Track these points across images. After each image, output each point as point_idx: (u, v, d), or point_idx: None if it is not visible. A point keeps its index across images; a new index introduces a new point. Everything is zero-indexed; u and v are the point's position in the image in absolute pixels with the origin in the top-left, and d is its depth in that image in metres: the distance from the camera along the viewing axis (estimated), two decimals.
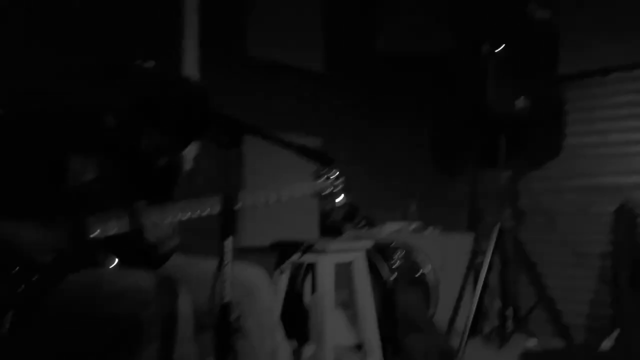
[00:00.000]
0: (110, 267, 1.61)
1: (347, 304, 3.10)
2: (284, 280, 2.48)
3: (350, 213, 3.29)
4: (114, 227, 1.61)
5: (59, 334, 1.53)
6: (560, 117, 3.62)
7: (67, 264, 1.55)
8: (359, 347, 2.99)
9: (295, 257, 2.43)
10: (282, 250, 2.47)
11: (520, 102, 3.23)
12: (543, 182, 3.68)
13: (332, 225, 3.30)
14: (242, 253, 1.28)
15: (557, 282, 3.51)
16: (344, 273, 2.81)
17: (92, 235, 1.60)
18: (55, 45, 2.39)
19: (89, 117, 1.70)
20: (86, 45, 2.46)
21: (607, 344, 2.98)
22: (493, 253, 3.27)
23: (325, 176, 1.98)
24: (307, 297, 3.17)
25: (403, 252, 3.19)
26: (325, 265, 2.33)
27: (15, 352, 1.52)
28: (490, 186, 3.60)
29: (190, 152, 2.90)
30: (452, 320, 3.45)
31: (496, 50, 3.15)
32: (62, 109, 1.65)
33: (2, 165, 1.56)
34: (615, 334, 3.01)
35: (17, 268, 1.50)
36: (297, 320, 3.11)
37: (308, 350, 2.73)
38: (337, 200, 2.01)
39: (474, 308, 3.17)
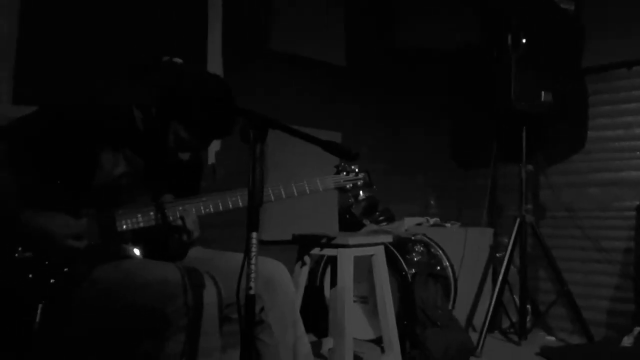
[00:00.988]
0: (138, 259, 1.64)
1: (366, 298, 3.11)
2: (304, 273, 2.49)
3: (370, 207, 3.29)
4: (141, 220, 1.65)
5: (88, 325, 1.56)
6: (583, 110, 3.57)
7: (96, 256, 1.59)
8: (378, 341, 3.00)
9: (315, 251, 2.44)
10: (302, 244, 2.48)
11: (543, 96, 3.19)
12: (565, 177, 3.64)
13: (351, 220, 3.31)
14: (263, 247, 1.29)
15: (578, 278, 3.48)
16: (363, 267, 2.82)
17: (120, 228, 1.63)
18: (85, 43, 2.43)
19: (119, 113, 1.73)
20: (114, 43, 2.49)
21: (628, 341, 2.95)
22: (513, 248, 3.25)
23: (346, 170, 1.99)
24: (326, 291, 3.19)
25: (422, 247, 3.18)
26: (345, 259, 2.34)
27: (47, 343, 1.56)
28: (511, 180, 3.57)
29: (213, 147, 2.93)
30: (471, 315, 3.45)
31: (519, 42, 3.11)
32: (94, 104, 1.68)
33: (37, 159, 1.59)
34: (636, 330, 2.98)
35: (49, 261, 1.53)
36: (316, 313, 3.14)
37: (327, 343, 2.75)
38: (357, 194, 2.02)
39: (493, 303, 3.16)
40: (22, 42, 2.29)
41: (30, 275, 1.53)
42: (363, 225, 3.32)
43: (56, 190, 1.60)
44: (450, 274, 3.22)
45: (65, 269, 1.55)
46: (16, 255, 1.53)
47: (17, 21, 2.27)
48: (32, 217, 1.52)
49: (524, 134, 3.33)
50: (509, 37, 3.16)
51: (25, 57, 2.30)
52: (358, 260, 2.40)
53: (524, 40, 3.13)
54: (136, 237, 1.66)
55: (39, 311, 1.51)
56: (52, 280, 1.54)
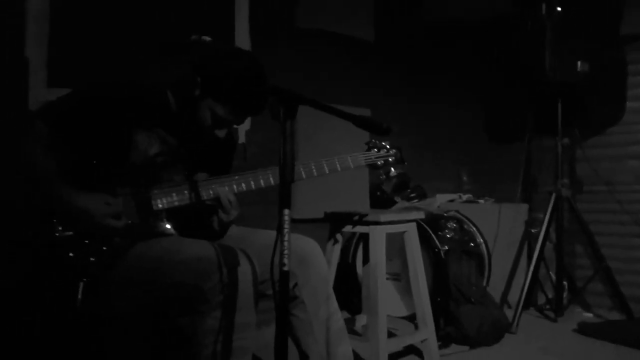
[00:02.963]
0: (174, 237, 1.67)
1: (399, 275, 3.11)
2: (336, 251, 2.50)
3: (402, 184, 3.26)
4: (176, 199, 1.67)
5: (127, 301, 1.60)
6: (621, 80, 3.45)
7: (134, 235, 1.62)
8: (411, 318, 3.00)
9: (347, 228, 2.44)
10: (334, 222, 2.48)
11: (579, 66, 3.09)
12: (602, 150, 3.53)
13: (382, 197, 3.29)
14: (295, 225, 1.30)
15: (616, 253, 3.40)
16: (395, 244, 2.81)
17: (156, 207, 1.66)
18: (115, 25, 2.45)
19: (152, 93, 1.75)
20: (142, 24, 2.51)
21: None
22: (549, 223, 3.19)
23: (377, 147, 1.97)
24: (358, 269, 3.20)
25: (455, 223, 3.15)
26: (378, 236, 2.33)
27: (89, 319, 1.61)
28: (547, 155, 3.49)
29: (244, 126, 2.95)
30: (506, 292, 3.42)
31: (554, 11, 3.01)
32: (126, 85, 1.70)
33: (73, 140, 1.62)
34: None
35: (88, 239, 1.57)
36: (348, 291, 3.15)
37: (360, 320, 2.76)
38: (389, 171, 2.00)
39: (528, 279, 3.12)
40: (54, 25, 2.33)
41: (71, 254, 1.57)
42: (394, 203, 3.30)
43: (93, 170, 1.63)
44: (484, 251, 3.18)
45: (105, 248, 1.59)
46: (57, 234, 1.57)
47: (49, 3, 2.30)
48: (72, 197, 1.55)
49: (559, 106, 3.24)
50: (543, 6, 3.06)
51: (59, 40, 2.34)
52: (390, 238, 2.39)
53: (558, 9, 3.03)
54: (171, 215, 1.68)
55: (80, 289, 1.55)
56: (92, 259, 1.57)
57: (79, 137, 1.63)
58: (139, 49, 2.46)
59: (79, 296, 1.54)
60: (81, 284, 1.55)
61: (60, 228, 1.58)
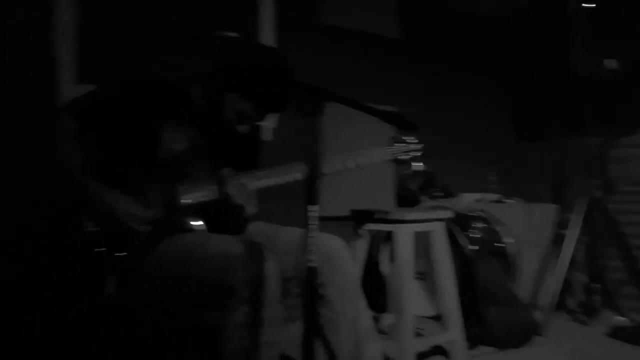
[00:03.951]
0: (200, 232, 1.68)
1: (424, 275, 3.07)
2: (361, 249, 2.48)
3: (427, 182, 3.23)
4: (202, 194, 1.67)
5: (155, 296, 1.62)
6: None
7: (161, 230, 1.63)
8: (437, 318, 2.97)
9: (372, 227, 2.42)
10: (359, 220, 2.47)
11: (610, 63, 3.01)
12: (636, 149, 3.44)
13: (407, 196, 3.26)
14: (320, 222, 1.28)
15: None
16: (420, 243, 2.78)
17: (182, 203, 1.67)
18: (140, 21, 2.48)
19: (178, 89, 1.76)
20: (168, 20, 2.53)
21: None
22: (580, 224, 3.12)
23: (402, 142, 1.95)
24: (383, 267, 3.17)
25: (482, 223, 3.10)
26: (404, 235, 2.30)
27: (118, 314, 1.62)
28: (577, 154, 3.41)
29: (270, 123, 2.95)
30: (535, 294, 3.35)
31: (583, 5, 2.93)
32: (152, 81, 1.72)
33: (101, 136, 1.64)
34: None
35: (117, 235, 1.59)
36: (373, 290, 3.13)
37: (385, 319, 2.74)
38: (415, 166, 1.98)
39: (558, 281, 3.05)
40: (82, 22, 2.36)
41: (100, 249, 1.58)
42: (419, 202, 3.27)
43: (120, 166, 1.65)
44: (513, 251, 3.13)
45: (132, 243, 1.60)
46: (86, 229, 1.59)
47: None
48: (100, 194, 1.57)
49: (590, 105, 3.16)
50: (572, 1, 2.99)
51: (86, 37, 2.38)
52: (415, 236, 2.36)
53: (587, 3, 2.95)
54: (198, 211, 1.69)
55: (108, 283, 1.56)
56: (120, 254, 1.59)
57: (106, 133, 1.65)
58: (165, 44, 2.48)
59: (107, 290, 1.56)
60: (110, 279, 1.56)
61: (89, 223, 1.60)
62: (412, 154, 1.93)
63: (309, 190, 1.26)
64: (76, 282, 1.61)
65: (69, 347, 1.95)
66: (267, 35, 2.84)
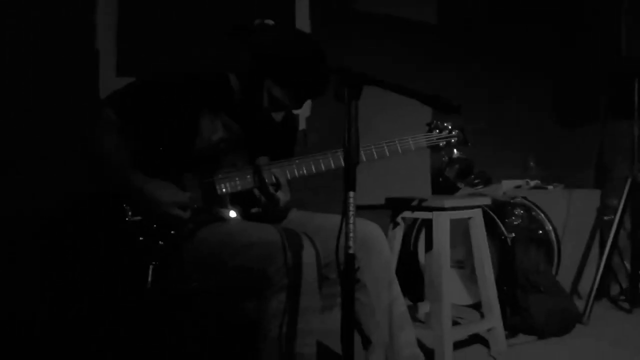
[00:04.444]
0: (238, 221, 1.69)
1: (462, 263, 3.04)
2: (398, 237, 2.46)
3: (465, 169, 3.17)
4: (239, 183, 1.69)
5: (194, 284, 1.64)
6: None
7: (199, 219, 1.65)
8: (475, 306, 2.93)
9: (409, 214, 2.40)
10: (395, 208, 2.45)
11: None
12: None
13: (445, 183, 3.22)
14: (357, 210, 1.28)
15: None
16: (458, 231, 2.74)
17: (220, 192, 1.69)
18: (178, 12, 2.51)
19: (215, 78, 1.77)
20: (206, 10, 2.56)
21: None
22: (623, 210, 3.03)
23: (439, 128, 1.92)
24: (420, 256, 3.15)
25: (522, 210, 3.04)
26: (442, 222, 2.28)
27: (157, 301, 1.65)
28: (622, 139, 3.30)
29: (304, 113, 2.95)
30: (577, 282, 3.29)
31: None
32: (190, 71, 1.73)
33: (140, 126, 1.67)
34: None
35: (156, 224, 1.61)
36: (410, 278, 3.11)
37: (423, 307, 2.72)
38: (452, 153, 1.95)
39: (601, 269, 2.97)
40: (122, 15, 2.41)
41: (140, 238, 1.61)
42: (457, 189, 3.22)
43: (160, 156, 1.67)
44: (553, 238, 3.06)
45: (172, 232, 1.62)
46: (127, 219, 1.63)
47: None
48: (141, 184, 1.60)
49: (636, 87, 3.05)
50: None
51: (126, 29, 2.42)
52: (453, 224, 2.33)
53: None
54: (236, 199, 1.70)
55: (150, 271, 1.59)
56: (160, 242, 1.62)
57: (146, 124, 1.67)
58: (203, 34, 2.50)
59: (149, 279, 1.59)
60: (151, 267, 1.59)
61: (130, 213, 1.63)
62: (449, 139, 1.90)
63: (347, 176, 1.25)
64: (119, 272, 1.64)
65: (113, 335, 2.00)
66: (303, 23, 2.83)
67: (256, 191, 1.69)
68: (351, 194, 1.25)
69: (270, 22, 1.52)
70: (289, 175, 1.71)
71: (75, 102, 2.23)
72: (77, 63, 2.34)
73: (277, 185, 1.69)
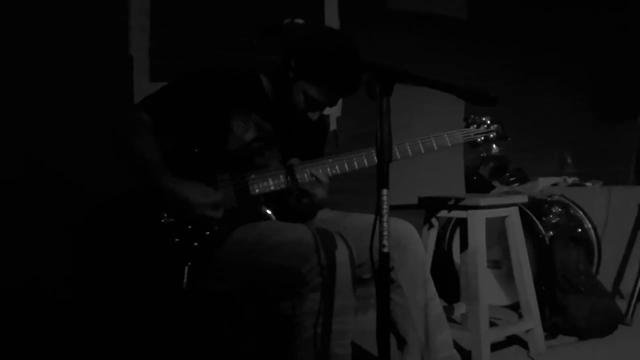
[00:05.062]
0: (271, 221, 1.69)
1: (498, 263, 2.98)
2: (432, 237, 2.43)
3: (500, 167, 3.11)
4: (272, 183, 1.69)
5: (229, 285, 1.65)
6: None
7: (233, 219, 1.66)
8: (512, 307, 2.87)
9: (443, 214, 2.36)
10: (429, 207, 2.41)
11: None
12: None
13: (479, 182, 3.16)
14: (390, 210, 1.26)
15: None
16: (493, 230, 2.69)
17: (253, 192, 1.69)
18: (210, 15, 2.55)
19: (247, 79, 1.78)
20: (237, 12, 2.58)
21: None
22: None
23: (476, 123, 1.87)
24: (455, 256, 3.10)
25: (560, 208, 2.97)
26: (477, 221, 2.23)
27: (193, 302, 1.67)
28: None
29: (335, 113, 2.94)
30: (618, 281, 3.18)
31: None
32: (223, 73, 1.74)
33: (175, 128, 1.69)
34: None
35: (191, 225, 1.63)
36: (445, 278, 3.06)
37: (459, 308, 2.68)
38: (490, 148, 1.90)
39: None
40: (154, 21, 2.45)
41: (176, 240, 1.63)
42: (492, 187, 3.17)
43: (193, 157, 1.69)
44: (593, 237, 2.98)
45: (207, 232, 1.63)
46: (162, 220, 1.64)
47: (149, 3, 2.42)
48: (175, 185, 1.60)
49: None
50: None
51: (159, 35, 2.47)
52: (488, 224, 2.29)
53: None
54: (268, 199, 1.71)
55: (185, 272, 1.61)
56: (195, 244, 1.63)
57: (179, 126, 1.69)
58: (233, 35, 2.53)
59: (185, 279, 1.60)
60: (186, 268, 1.60)
61: (165, 215, 1.65)
62: (487, 134, 1.85)
63: (380, 174, 1.23)
64: (155, 273, 1.66)
65: (148, 335, 2.02)
66: (332, 22, 2.82)
67: (295, 189, 1.68)
68: (384, 191, 1.23)
69: (300, 21, 1.52)
70: (322, 175, 1.70)
71: (112, 107, 2.28)
72: (113, 69, 2.39)
73: (311, 184, 1.68)
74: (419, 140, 1.75)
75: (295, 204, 1.72)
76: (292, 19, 1.54)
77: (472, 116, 1.85)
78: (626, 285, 3.09)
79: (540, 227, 2.75)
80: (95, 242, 2.21)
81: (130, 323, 2.08)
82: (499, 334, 2.41)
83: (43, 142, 2.24)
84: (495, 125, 1.85)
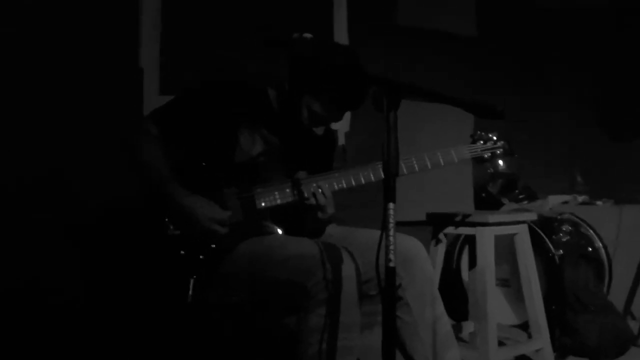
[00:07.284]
0: (278, 235, 1.69)
1: (507, 281, 2.94)
2: (440, 254, 2.40)
3: (509, 185, 3.09)
4: (279, 197, 1.69)
5: (234, 298, 1.64)
6: None
7: (239, 233, 1.65)
8: (522, 326, 2.82)
9: (451, 230, 2.34)
10: (437, 223, 2.39)
11: None
12: None
13: (488, 199, 3.14)
14: (397, 226, 1.25)
15: None
16: (502, 248, 2.66)
17: (259, 206, 1.69)
18: (217, 31, 2.58)
19: (254, 93, 1.79)
20: (244, 25, 2.61)
21: None
22: None
23: (483, 139, 1.86)
24: (463, 273, 3.07)
25: (570, 226, 2.93)
26: (486, 238, 2.21)
27: (198, 314, 1.66)
28: None
29: (343, 128, 2.94)
30: (629, 301, 3.13)
31: None
32: (230, 87, 1.76)
33: (182, 141, 1.70)
34: None
35: (198, 238, 1.62)
36: (453, 296, 3.03)
37: (467, 327, 2.64)
38: (497, 165, 1.89)
39: None
40: (165, 37, 2.49)
41: (182, 252, 1.63)
42: (501, 205, 3.14)
43: (201, 171, 1.69)
44: (604, 256, 2.94)
45: (212, 245, 1.63)
46: (168, 233, 1.64)
47: (160, 19, 2.46)
48: (182, 198, 1.61)
49: None
50: None
51: (169, 50, 2.50)
52: (497, 241, 2.26)
53: None
54: (275, 213, 1.70)
55: (191, 285, 1.60)
56: (201, 257, 1.62)
57: (187, 139, 1.70)
58: (242, 49, 2.55)
59: (190, 292, 1.59)
60: (192, 281, 1.60)
61: (171, 227, 1.64)
62: (494, 151, 1.84)
63: (387, 188, 1.23)
64: (161, 285, 1.65)
65: (153, 348, 2.01)
66: (341, 37, 2.85)
67: (304, 203, 1.68)
68: (391, 205, 1.22)
69: (309, 35, 1.52)
70: (329, 189, 1.69)
71: (122, 120, 2.31)
72: (124, 82, 2.42)
73: (318, 199, 1.67)
74: (426, 155, 1.74)
75: (301, 218, 1.71)
76: (301, 33, 1.55)
77: (479, 132, 1.84)
78: (638, 306, 3.05)
79: (550, 245, 2.72)
80: (101, 249, 2.22)
81: (132, 329, 2.08)
82: (508, 354, 2.37)
83: (50, 145, 2.26)
84: (502, 142, 1.84)
